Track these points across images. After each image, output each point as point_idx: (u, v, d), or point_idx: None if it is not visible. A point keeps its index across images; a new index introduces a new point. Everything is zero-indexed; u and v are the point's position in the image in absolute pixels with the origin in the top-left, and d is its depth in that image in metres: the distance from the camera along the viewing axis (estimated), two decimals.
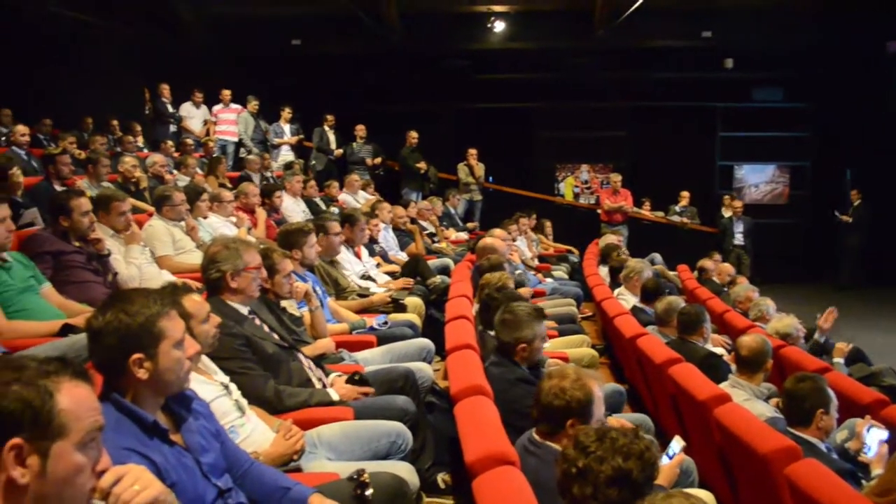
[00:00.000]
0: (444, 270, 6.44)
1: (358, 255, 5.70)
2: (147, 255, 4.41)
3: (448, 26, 12.31)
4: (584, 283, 7.50)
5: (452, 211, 10.12)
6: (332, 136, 10.63)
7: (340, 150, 10.62)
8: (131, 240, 4.23)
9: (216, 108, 10.32)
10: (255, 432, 2.50)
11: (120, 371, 1.80)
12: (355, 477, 2.19)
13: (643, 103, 12.82)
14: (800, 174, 13.32)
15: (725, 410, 3.20)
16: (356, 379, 3.14)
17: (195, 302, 2.44)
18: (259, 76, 11.37)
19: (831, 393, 3.22)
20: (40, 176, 6.09)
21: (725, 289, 7.81)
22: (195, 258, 4.46)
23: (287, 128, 10.45)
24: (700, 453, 3.43)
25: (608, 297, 6.06)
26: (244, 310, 3.02)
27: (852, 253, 11.57)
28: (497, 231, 6.71)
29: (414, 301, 5.08)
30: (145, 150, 8.63)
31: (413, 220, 8.03)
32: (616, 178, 11.28)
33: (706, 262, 8.58)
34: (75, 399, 1.32)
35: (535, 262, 8.45)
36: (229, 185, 7.39)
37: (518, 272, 6.28)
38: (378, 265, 6.04)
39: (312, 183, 8.40)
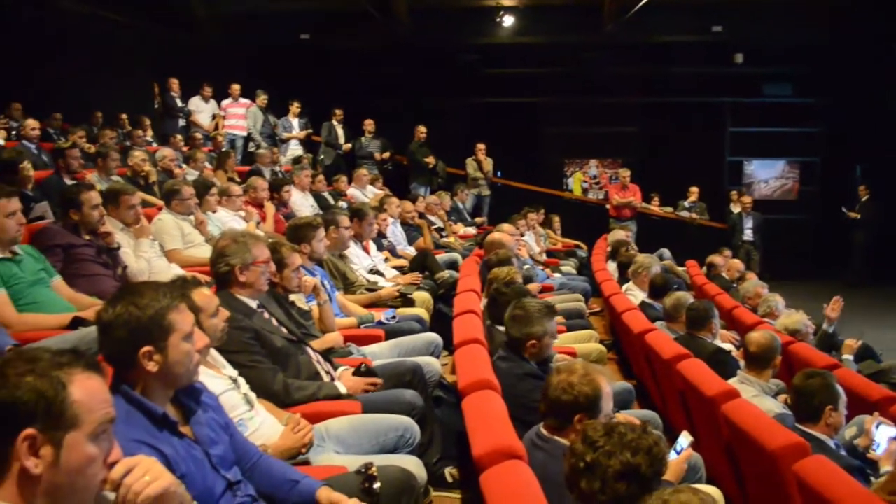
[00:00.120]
0: (453, 265, 6.43)
1: (366, 250, 5.70)
2: (156, 248, 4.43)
3: (457, 21, 12.28)
4: (593, 278, 7.48)
5: (461, 205, 10.10)
6: (340, 131, 10.62)
7: (349, 145, 10.61)
8: (141, 233, 4.24)
9: (225, 102, 10.34)
10: (263, 426, 2.51)
11: (130, 364, 1.81)
12: (363, 470, 2.19)
13: (652, 98, 12.78)
14: (809, 170, 13.24)
15: (734, 406, 3.19)
16: (362, 370, 3.15)
17: (204, 295, 2.44)
18: (268, 70, 11.36)
19: (840, 389, 3.21)
20: (50, 170, 6.12)
21: (734, 285, 7.78)
22: (204, 252, 4.48)
23: (296, 122, 10.46)
24: (708, 449, 3.42)
25: (616, 292, 6.05)
26: (253, 303, 3.04)
27: (859, 249, 11.51)
28: (505, 226, 6.71)
29: (422, 295, 5.09)
30: (155, 145, 8.65)
31: (421, 215, 8.03)
32: (625, 173, 11.21)
33: (715, 258, 8.54)
34: (88, 391, 1.34)
35: (544, 257, 8.44)
36: (238, 180, 7.41)
37: (526, 267, 6.28)
38: (386, 259, 6.04)
39: (321, 177, 8.43)
